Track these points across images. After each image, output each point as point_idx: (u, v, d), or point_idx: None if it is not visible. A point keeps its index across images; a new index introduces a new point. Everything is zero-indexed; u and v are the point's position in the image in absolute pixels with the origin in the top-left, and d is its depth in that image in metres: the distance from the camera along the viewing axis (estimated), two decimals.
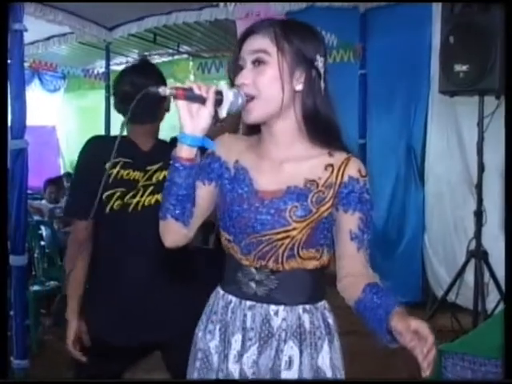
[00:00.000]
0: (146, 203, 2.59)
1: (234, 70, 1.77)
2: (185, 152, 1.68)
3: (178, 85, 1.66)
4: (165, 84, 2.55)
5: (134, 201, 2.61)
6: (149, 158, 2.67)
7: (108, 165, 2.42)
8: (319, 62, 1.76)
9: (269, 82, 1.71)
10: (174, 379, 2.74)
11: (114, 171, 2.60)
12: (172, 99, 1.68)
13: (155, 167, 2.63)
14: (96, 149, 2.71)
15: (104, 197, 2.58)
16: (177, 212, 1.73)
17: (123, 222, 2.62)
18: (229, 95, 1.67)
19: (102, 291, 2.67)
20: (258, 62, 1.71)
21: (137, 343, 2.62)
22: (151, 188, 2.60)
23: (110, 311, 2.62)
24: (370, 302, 1.69)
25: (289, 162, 1.78)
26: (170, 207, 1.73)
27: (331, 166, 1.76)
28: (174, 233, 1.78)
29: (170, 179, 1.72)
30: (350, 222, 1.75)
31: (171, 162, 1.71)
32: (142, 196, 2.60)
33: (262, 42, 1.71)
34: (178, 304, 2.60)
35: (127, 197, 2.62)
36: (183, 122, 1.66)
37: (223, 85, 1.70)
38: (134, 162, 2.64)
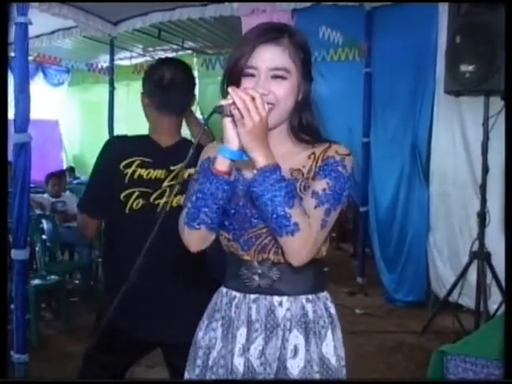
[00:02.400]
0: (174, 204, 2.57)
1: (241, 72, 1.77)
2: (227, 166, 1.73)
3: (230, 101, 1.65)
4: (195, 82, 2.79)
5: (162, 201, 2.62)
6: (171, 155, 2.67)
7: (122, 164, 2.53)
8: (312, 73, 1.88)
9: (286, 95, 1.78)
10: (174, 379, 2.75)
11: (130, 171, 2.61)
12: (222, 116, 1.68)
13: (179, 166, 2.62)
14: (114, 148, 2.73)
15: (122, 197, 2.61)
16: (214, 223, 1.79)
17: (149, 222, 2.54)
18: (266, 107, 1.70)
19: (121, 285, 2.66)
20: (277, 77, 1.77)
21: (150, 338, 2.66)
22: (178, 188, 2.48)
23: (132, 305, 2.56)
24: None
25: (277, 159, 1.78)
26: (205, 218, 1.77)
27: (313, 153, 1.85)
28: (204, 240, 1.85)
29: (205, 192, 1.74)
30: (315, 184, 1.78)
31: (208, 174, 1.74)
32: (169, 196, 2.60)
33: (282, 59, 1.77)
34: (191, 306, 2.53)
35: (153, 197, 2.62)
36: (229, 137, 1.69)
37: (256, 94, 1.68)
38: (154, 160, 2.64)
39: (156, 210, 2.59)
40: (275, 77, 1.77)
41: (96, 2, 6.06)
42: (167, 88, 2.67)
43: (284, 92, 1.77)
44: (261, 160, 1.66)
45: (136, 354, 2.87)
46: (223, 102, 1.66)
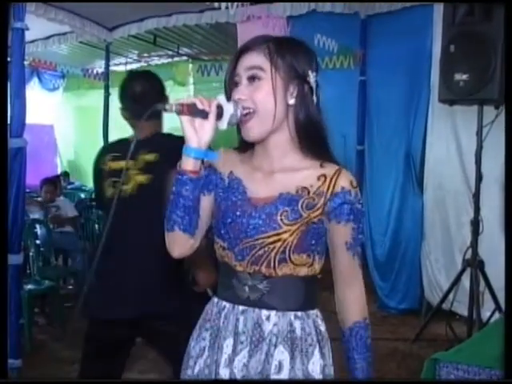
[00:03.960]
0: (136, 186, 2.86)
1: (230, 85, 1.82)
2: (190, 165, 1.74)
3: (183, 100, 1.70)
4: (165, 93, 3.08)
5: (125, 187, 2.87)
6: (139, 146, 2.86)
7: (101, 163, 2.94)
8: (311, 77, 1.82)
9: (264, 97, 1.76)
10: (174, 379, 2.79)
11: (106, 167, 2.95)
12: (176, 113, 1.71)
13: (142, 153, 2.86)
14: (97, 155, 3.08)
15: (103, 187, 2.94)
16: (184, 224, 1.79)
17: (117, 207, 2.82)
18: (229, 108, 1.73)
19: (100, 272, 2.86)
20: (253, 78, 1.77)
21: (132, 314, 2.77)
22: (138, 170, 2.86)
23: (105, 291, 2.82)
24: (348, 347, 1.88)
25: (281, 173, 1.83)
26: (177, 219, 1.78)
27: (324, 176, 1.80)
28: (182, 244, 1.85)
29: (176, 192, 1.76)
30: (343, 233, 1.80)
31: (177, 175, 1.75)
32: (132, 180, 2.87)
33: (256, 59, 1.77)
34: (162, 277, 2.81)
35: (119, 183, 2.84)
36: (188, 136, 1.72)
37: (222, 98, 1.76)
38: (122, 153, 2.87)
39: (121, 195, 2.81)
40: (250, 78, 1.77)
41: (96, 2, 6.04)
42: (140, 100, 2.96)
43: (261, 94, 1.75)
44: None
45: (125, 346, 2.95)
46: (183, 101, 1.70)
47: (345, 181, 1.79)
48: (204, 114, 1.70)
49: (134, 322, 2.80)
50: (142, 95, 3.00)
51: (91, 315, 2.88)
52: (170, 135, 3.00)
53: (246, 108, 1.75)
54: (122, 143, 3.04)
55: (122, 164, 2.89)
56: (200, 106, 1.69)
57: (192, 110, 1.69)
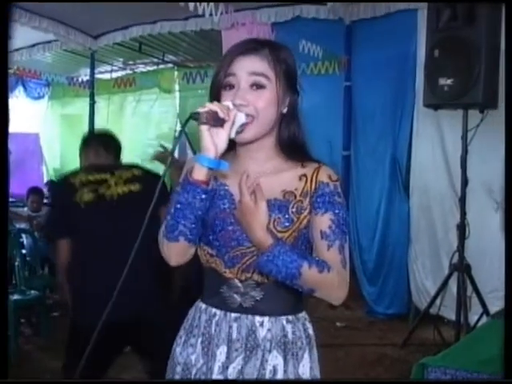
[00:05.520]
0: (124, 191, 3.01)
1: (221, 86, 1.79)
2: (203, 175, 1.69)
3: (205, 108, 1.65)
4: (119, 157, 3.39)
5: (109, 192, 3.01)
6: (112, 166, 3.18)
7: (70, 181, 3.15)
8: (299, 86, 1.87)
9: (266, 106, 1.76)
10: (172, 379, 2.80)
11: (77, 180, 3.10)
12: (198, 123, 1.66)
13: (121, 170, 3.10)
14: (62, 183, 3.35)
15: (77, 199, 3.06)
16: (193, 234, 1.76)
17: (102, 208, 3.07)
18: (241, 117, 1.71)
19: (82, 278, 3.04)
20: (256, 85, 1.76)
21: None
22: (122, 181, 3.03)
23: (90, 297, 2.84)
24: None
25: (265, 177, 1.82)
26: (184, 230, 1.74)
27: (304, 175, 1.82)
28: (183, 254, 1.82)
29: (185, 202, 1.71)
30: (320, 222, 1.78)
31: (188, 185, 1.71)
32: (116, 187, 3.02)
33: (260, 65, 1.77)
34: (146, 283, 2.90)
35: (100, 189, 3.03)
36: (206, 145, 1.67)
37: (230, 105, 1.70)
38: (95, 169, 3.12)
39: (106, 199, 3.02)
40: (254, 85, 1.75)
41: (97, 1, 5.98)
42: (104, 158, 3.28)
43: (264, 103, 1.75)
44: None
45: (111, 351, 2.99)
46: (200, 110, 1.65)
47: (323, 176, 1.82)
48: (221, 123, 1.66)
49: (124, 327, 2.79)
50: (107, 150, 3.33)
51: (80, 321, 2.89)
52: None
53: (248, 115, 1.73)
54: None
55: (98, 176, 3.04)
56: (221, 115, 1.65)
57: (213, 118, 1.65)
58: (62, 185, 3.20)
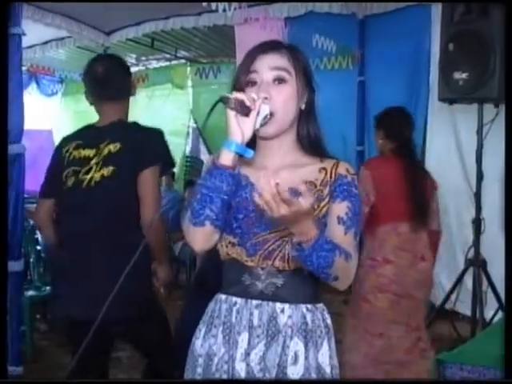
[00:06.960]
0: (98, 178, 2.85)
1: (242, 82, 1.86)
2: (230, 160, 1.75)
3: (234, 95, 1.71)
4: (129, 72, 3.19)
5: (88, 177, 2.86)
6: (101, 134, 2.96)
7: (64, 150, 2.98)
8: (315, 85, 1.96)
9: (286, 100, 1.85)
10: (174, 379, 2.80)
11: (67, 154, 2.97)
12: (226, 106, 1.72)
13: (106, 142, 2.88)
14: (62, 141, 3.14)
15: (63, 177, 2.92)
16: (219, 219, 1.79)
17: (77, 198, 2.90)
18: (265, 109, 1.77)
19: (62, 268, 2.95)
20: (278, 80, 1.85)
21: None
22: (100, 163, 2.86)
23: (72, 288, 2.84)
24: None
25: (284, 170, 1.90)
26: (210, 214, 1.77)
27: (324, 168, 1.91)
28: (208, 239, 1.85)
29: (211, 186, 1.75)
30: (338, 209, 1.85)
31: (215, 169, 1.75)
32: (94, 172, 2.86)
33: (281, 61, 1.86)
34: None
35: (80, 174, 2.88)
36: (233, 130, 1.73)
37: (255, 96, 1.76)
38: (86, 141, 2.95)
39: (82, 186, 2.87)
40: (276, 80, 1.84)
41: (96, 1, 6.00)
42: (102, 82, 3.01)
43: (284, 97, 1.83)
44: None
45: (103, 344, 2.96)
46: (229, 95, 1.71)
47: (342, 169, 1.90)
48: (247, 111, 1.71)
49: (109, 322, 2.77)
50: (105, 77, 3.01)
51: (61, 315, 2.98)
52: (134, 124, 3.02)
53: (270, 109, 1.80)
54: (87, 130, 3.12)
55: (84, 152, 2.92)
56: (248, 103, 1.71)
57: (239, 106, 1.70)
58: (57, 157, 3.08)
